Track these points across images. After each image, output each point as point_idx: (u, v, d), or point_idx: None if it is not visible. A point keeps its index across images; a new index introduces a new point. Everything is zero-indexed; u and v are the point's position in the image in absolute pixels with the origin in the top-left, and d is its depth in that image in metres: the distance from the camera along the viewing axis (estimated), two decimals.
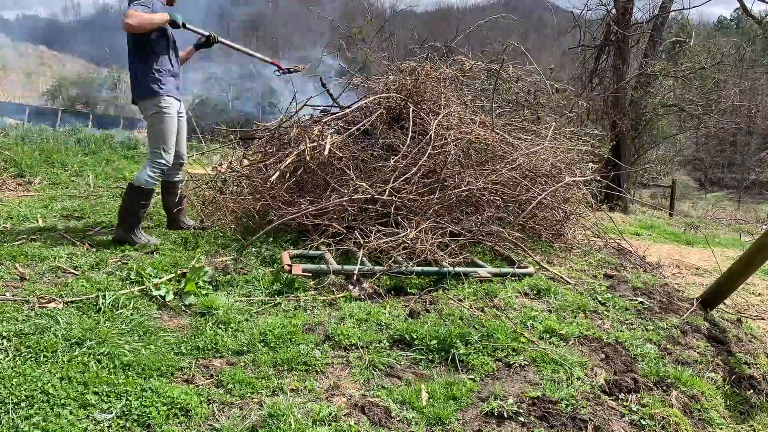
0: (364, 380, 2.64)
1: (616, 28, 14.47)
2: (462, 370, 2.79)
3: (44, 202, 5.43)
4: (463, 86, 6.42)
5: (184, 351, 2.75)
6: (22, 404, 2.18)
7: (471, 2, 74.97)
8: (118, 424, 2.15)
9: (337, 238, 4.39)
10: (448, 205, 4.76)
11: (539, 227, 5.31)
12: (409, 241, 4.14)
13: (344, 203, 4.51)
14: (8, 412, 2.13)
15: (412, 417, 2.37)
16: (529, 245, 4.83)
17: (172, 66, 4.33)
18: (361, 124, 5.35)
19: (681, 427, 2.51)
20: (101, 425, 2.13)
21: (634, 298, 3.94)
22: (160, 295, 3.31)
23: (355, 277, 3.79)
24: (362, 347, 2.92)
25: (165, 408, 2.26)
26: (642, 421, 2.50)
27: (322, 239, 4.34)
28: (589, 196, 5.85)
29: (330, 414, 2.30)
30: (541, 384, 2.69)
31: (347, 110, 5.69)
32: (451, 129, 5.29)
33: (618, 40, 14.80)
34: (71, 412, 2.18)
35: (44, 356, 2.54)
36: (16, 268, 3.58)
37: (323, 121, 5.64)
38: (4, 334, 2.69)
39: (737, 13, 40.36)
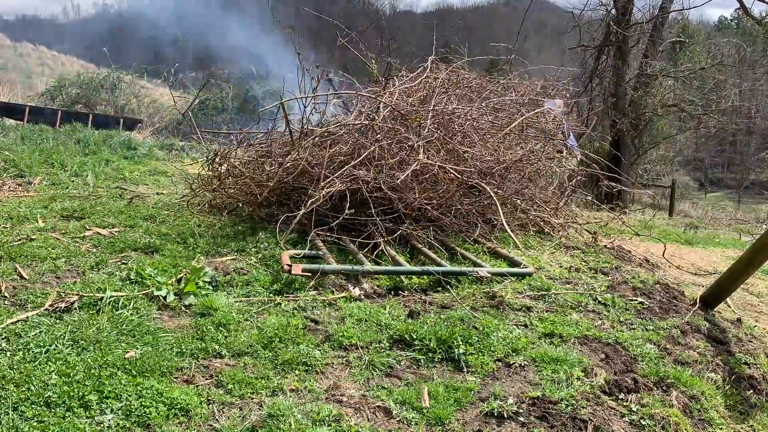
0: (364, 380, 2.64)
1: (616, 28, 14.47)
2: (462, 370, 2.79)
3: (44, 203, 5.42)
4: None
5: (184, 351, 2.75)
6: (22, 404, 2.18)
7: (471, 2, 74.84)
8: (118, 424, 2.15)
9: (334, 235, 4.45)
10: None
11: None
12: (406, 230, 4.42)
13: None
14: (8, 413, 2.13)
15: (412, 417, 2.36)
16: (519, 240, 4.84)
17: None
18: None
19: (681, 427, 2.51)
20: (101, 425, 2.13)
21: (634, 298, 3.94)
22: (160, 296, 3.30)
23: (355, 278, 3.79)
24: (362, 347, 2.92)
25: (165, 408, 2.26)
26: (642, 421, 2.49)
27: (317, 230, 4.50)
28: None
29: (330, 414, 2.30)
30: (541, 384, 2.69)
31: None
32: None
33: (618, 40, 14.79)
34: (71, 412, 2.18)
35: (44, 356, 2.54)
36: (16, 269, 3.58)
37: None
38: (4, 334, 2.70)
39: (737, 14, 40.37)
